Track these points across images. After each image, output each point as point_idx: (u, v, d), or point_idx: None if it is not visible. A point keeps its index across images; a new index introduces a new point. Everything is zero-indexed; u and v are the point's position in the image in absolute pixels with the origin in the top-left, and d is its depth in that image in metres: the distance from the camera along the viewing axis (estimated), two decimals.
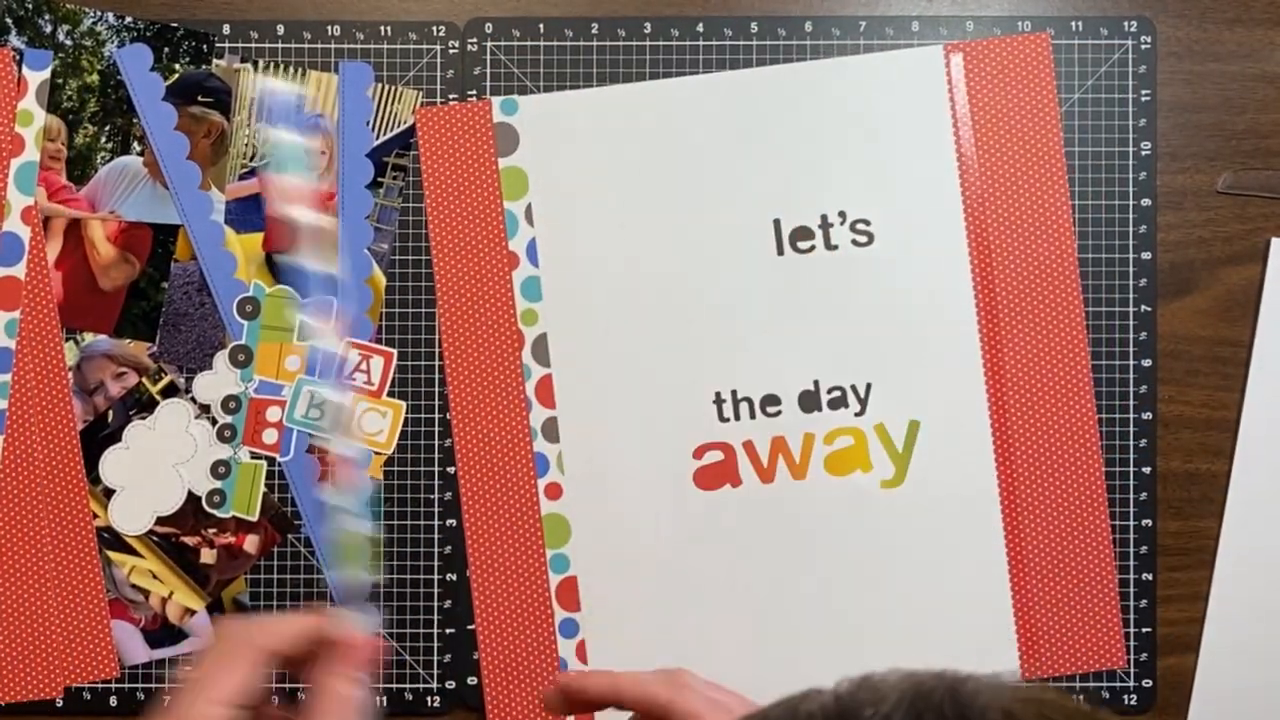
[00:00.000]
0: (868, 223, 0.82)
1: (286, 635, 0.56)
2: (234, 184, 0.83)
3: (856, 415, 0.82)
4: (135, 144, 0.83)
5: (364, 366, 0.83)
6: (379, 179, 0.83)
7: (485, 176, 0.83)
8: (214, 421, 0.83)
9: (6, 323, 0.82)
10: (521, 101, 0.82)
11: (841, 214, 0.82)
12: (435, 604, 0.83)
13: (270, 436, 0.83)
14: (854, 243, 0.82)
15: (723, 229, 0.82)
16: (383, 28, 0.83)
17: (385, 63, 0.83)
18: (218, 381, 0.83)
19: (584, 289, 0.82)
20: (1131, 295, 0.83)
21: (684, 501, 0.82)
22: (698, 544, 0.82)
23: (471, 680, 0.82)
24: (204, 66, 0.83)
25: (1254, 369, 0.82)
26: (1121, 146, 0.83)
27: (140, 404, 0.83)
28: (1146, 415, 0.82)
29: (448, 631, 0.82)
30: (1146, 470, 0.82)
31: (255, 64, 0.83)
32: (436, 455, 0.83)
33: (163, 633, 0.82)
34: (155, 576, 0.83)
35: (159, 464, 0.82)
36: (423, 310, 0.83)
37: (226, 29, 0.83)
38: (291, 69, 0.83)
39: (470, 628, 0.82)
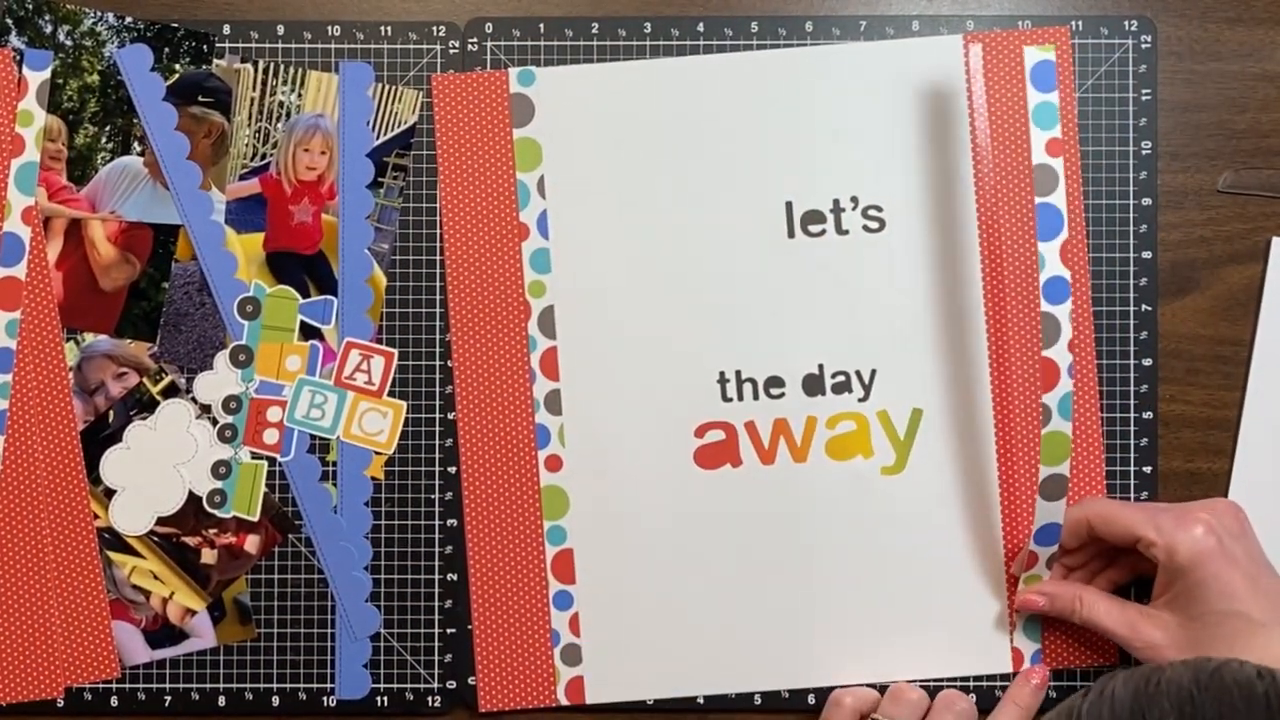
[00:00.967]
0: (880, 209, 0.82)
1: None
2: (234, 184, 0.83)
3: (860, 400, 0.82)
4: (136, 144, 0.83)
5: (364, 366, 0.83)
6: (379, 179, 0.83)
7: (499, 147, 0.83)
8: (215, 422, 0.83)
9: (7, 323, 0.82)
10: (539, 73, 0.83)
11: (854, 199, 0.82)
12: (436, 604, 0.83)
13: (271, 436, 0.83)
14: (865, 228, 0.82)
15: (734, 210, 0.82)
16: (383, 28, 0.83)
17: (386, 63, 0.83)
18: (218, 381, 0.83)
19: (593, 263, 0.82)
20: (1132, 294, 0.82)
21: (684, 479, 0.82)
22: (696, 522, 0.82)
23: (472, 680, 0.82)
24: (204, 67, 0.83)
25: (1255, 368, 0.82)
26: (1122, 146, 0.83)
27: (141, 404, 0.83)
28: (1147, 415, 0.82)
29: (448, 631, 0.82)
30: (1147, 469, 0.82)
31: (255, 64, 0.83)
32: (437, 455, 0.83)
33: (163, 633, 0.82)
34: (156, 577, 0.83)
35: (160, 464, 0.82)
36: (423, 310, 0.83)
37: (227, 29, 0.83)
38: (292, 69, 0.83)
39: (470, 628, 0.82)
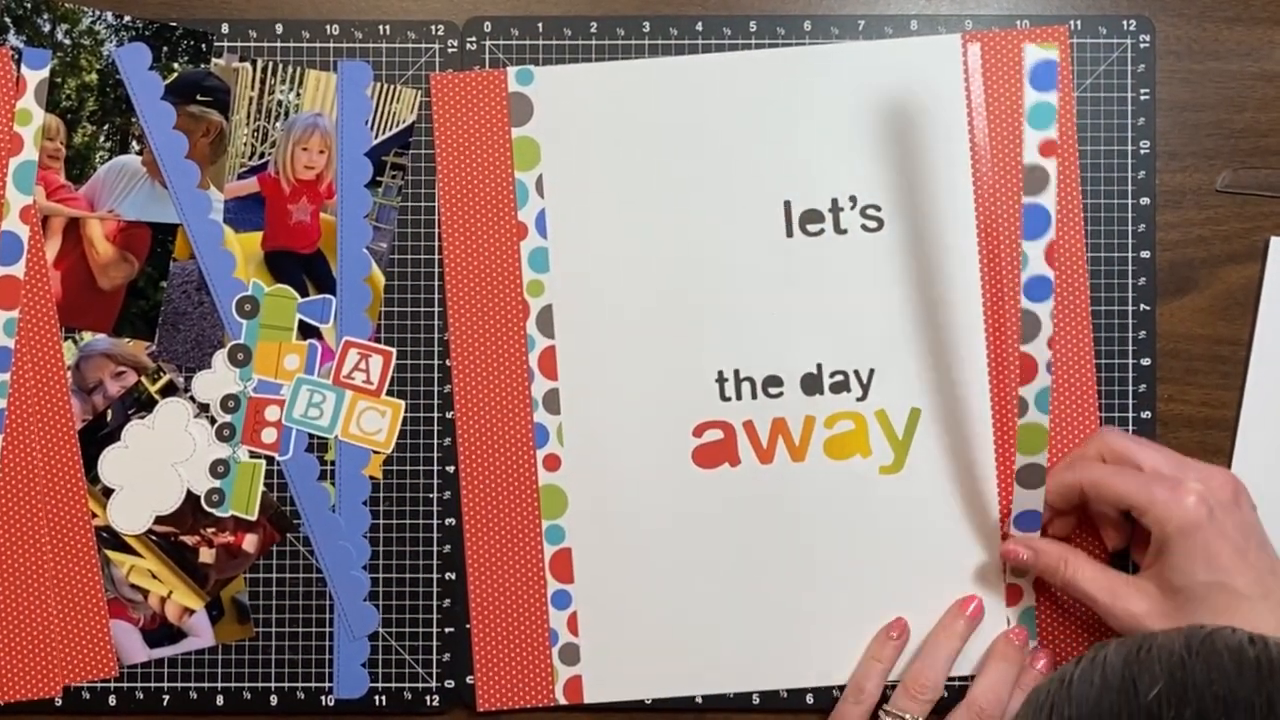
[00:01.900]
0: (878, 208, 0.82)
1: None
2: (233, 183, 0.83)
3: (858, 400, 0.82)
4: (134, 143, 0.83)
5: (363, 365, 0.83)
6: (378, 178, 0.83)
7: (498, 146, 0.83)
8: (213, 420, 0.83)
9: (5, 322, 0.82)
10: (537, 72, 0.83)
11: (852, 198, 0.82)
12: (434, 603, 0.83)
13: (269, 435, 0.83)
14: (864, 228, 0.82)
15: (733, 209, 0.82)
16: (381, 27, 0.83)
17: (384, 62, 0.83)
18: (217, 380, 0.83)
19: (591, 262, 0.82)
20: (1130, 294, 0.82)
21: (682, 479, 0.82)
22: (694, 521, 0.82)
23: (470, 679, 0.82)
24: (203, 65, 0.83)
25: (1253, 368, 0.82)
26: (1120, 145, 0.83)
27: (139, 403, 0.83)
28: (1146, 414, 0.82)
29: (447, 631, 0.82)
30: None
31: (254, 63, 0.83)
32: (436, 454, 0.83)
33: (161, 632, 0.82)
34: (154, 576, 0.83)
35: (158, 463, 0.82)
36: (422, 309, 0.83)
37: (225, 28, 0.83)
38: (290, 68, 0.83)
39: (469, 627, 0.82)
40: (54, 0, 0.83)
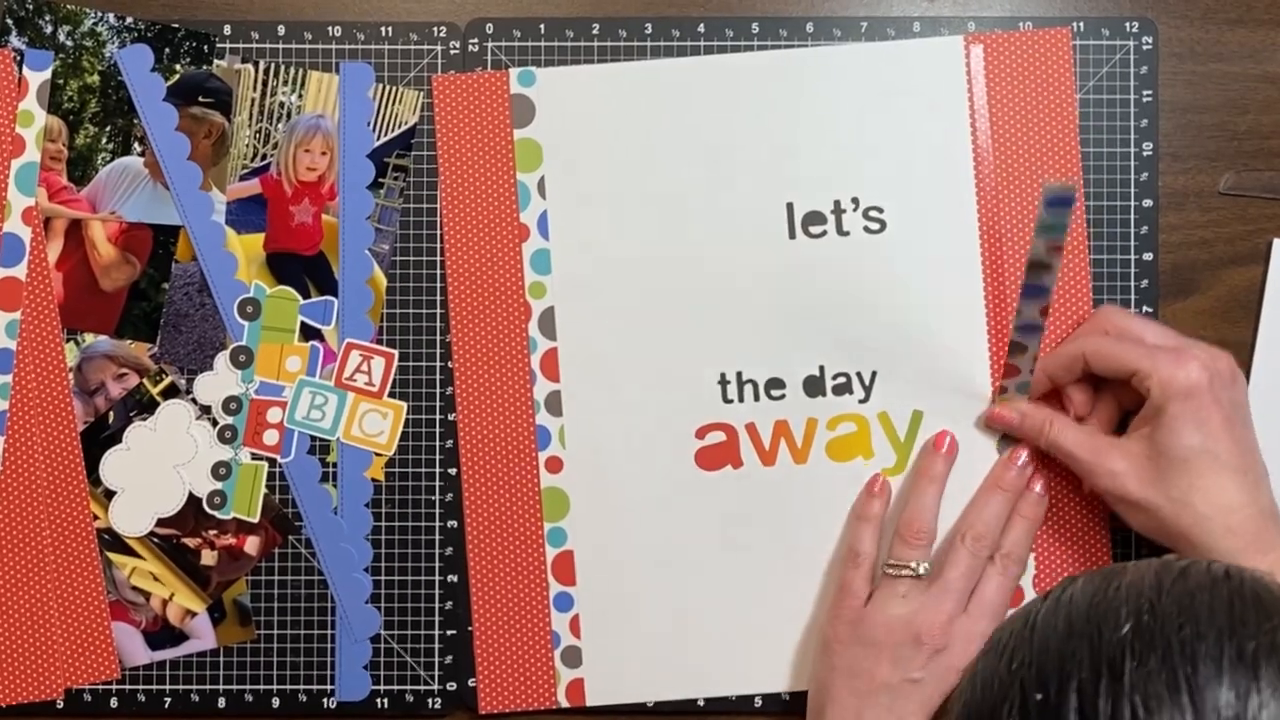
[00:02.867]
0: (881, 210, 0.82)
1: None
2: (235, 184, 0.83)
3: (860, 402, 0.82)
4: (136, 145, 0.83)
5: (365, 367, 0.83)
6: (379, 180, 0.83)
7: (500, 147, 0.83)
8: (215, 423, 0.83)
9: (7, 323, 0.82)
10: (539, 74, 0.83)
11: (855, 200, 0.82)
12: (436, 605, 0.83)
13: (271, 437, 0.82)
14: (866, 230, 0.82)
15: (735, 210, 0.82)
16: (384, 28, 0.83)
17: (386, 63, 0.83)
18: (218, 382, 0.83)
19: (593, 264, 0.82)
20: (1133, 296, 0.82)
21: (684, 481, 0.82)
22: (696, 523, 0.82)
23: (472, 682, 0.82)
24: (205, 67, 0.83)
25: (1255, 370, 0.82)
26: (1123, 147, 0.82)
27: (141, 405, 0.83)
28: None
29: (449, 633, 0.82)
30: None
31: (256, 64, 0.83)
32: (438, 456, 0.83)
33: (163, 634, 0.82)
34: (156, 578, 0.82)
35: (160, 465, 0.82)
36: (424, 311, 0.83)
37: (227, 29, 0.83)
38: (292, 69, 0.83)
39: (471, 629, 0.82)
40: (56, 2, 0.83)
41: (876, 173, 0.82)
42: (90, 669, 0.82)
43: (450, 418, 0.83)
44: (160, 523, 0.82)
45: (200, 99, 0.83)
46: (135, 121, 0.83)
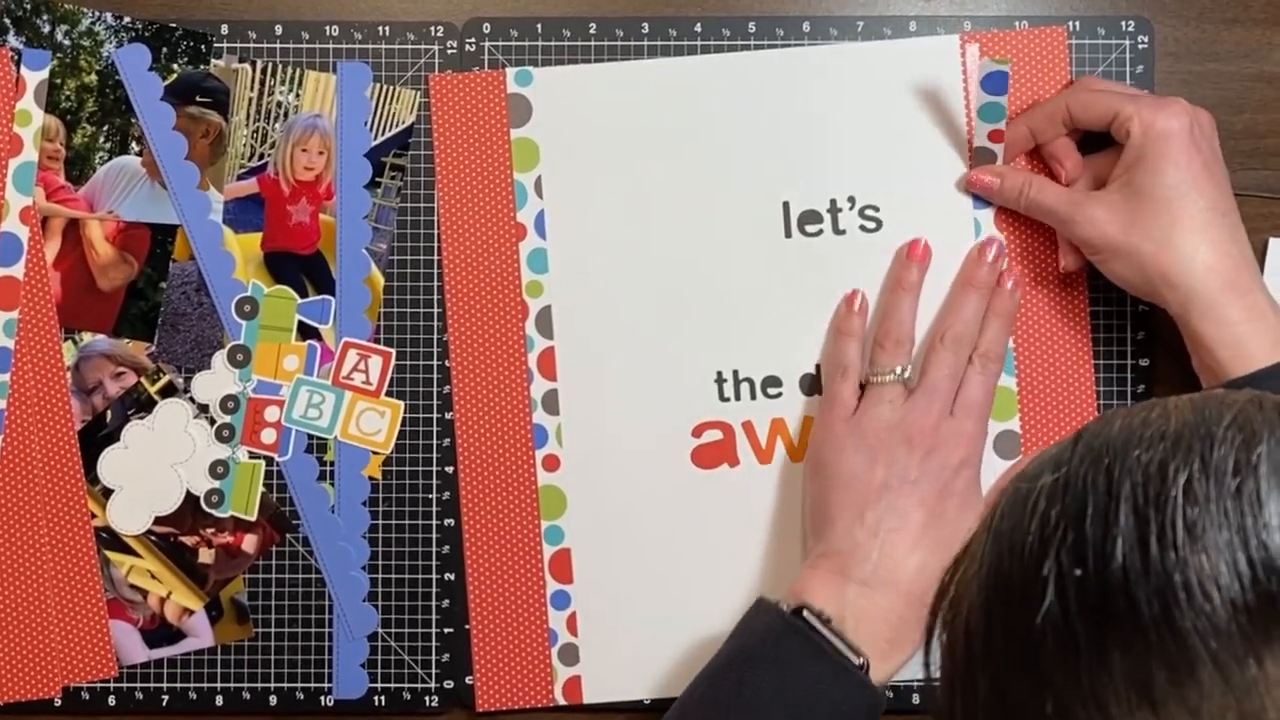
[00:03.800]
0: (876, 209, 0.82)
1: None
2: (232, 184, 0.83)
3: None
4: (133, 144, 0.83)
5: (362, 366, 0.83)
6: (377, 179, 0.83)
7: (497, 147, 0.83)
8: (212, 421, 0.83)
9: (5, 323, 0.82)
10: (536, 73, 0.83)
11: (851, 199, 0.82)
12: (433, 603, 0.83)
13: (269, 436, 0.83)
14: (862, 228, 0.82)
15: (731, 209, 0.82)
16: (381, 28, 0.83)
17: (383, 63, 0.83)
18: (216, 381, 0.83)
19: (590, 263, 0.82)
20: (1129, 295, 0.82)
21: (681, 479, 0.82)
22: (693, 521, 0.82)
23: (469, 680, 0.82)
24: (202, 66, 0.83)
25: None
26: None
27: (139, 404, 0.83)
28: None
29: (446, 631, 0.83)
30: None
31: (253, 64, 0.83)
32: (435, 455, 0.83)
33: (161, 632, 0.82)
34: (153, 576, 0.83)
35: (157, 464, 0.83)
36: (421, 310, 0.83)
37: (225, 29, 0.83)
38: (290, 69, 0.83)
39: (468, 627, 0.82)
40: (53, 1, 0.83)
41: (873, 172, 0.82)
42: (88, 667, 0.82)
43: (447, 416, 0.83)
44: (158, 521, 0.83)
45: (198, 98, 0.83)
46: (133, 121, 0.83)
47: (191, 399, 0.83)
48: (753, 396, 0.82)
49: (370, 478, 0.83)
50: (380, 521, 0.83)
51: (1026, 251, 0.82)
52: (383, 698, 0.83)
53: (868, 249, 0.82)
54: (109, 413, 0.83)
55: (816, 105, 0.82)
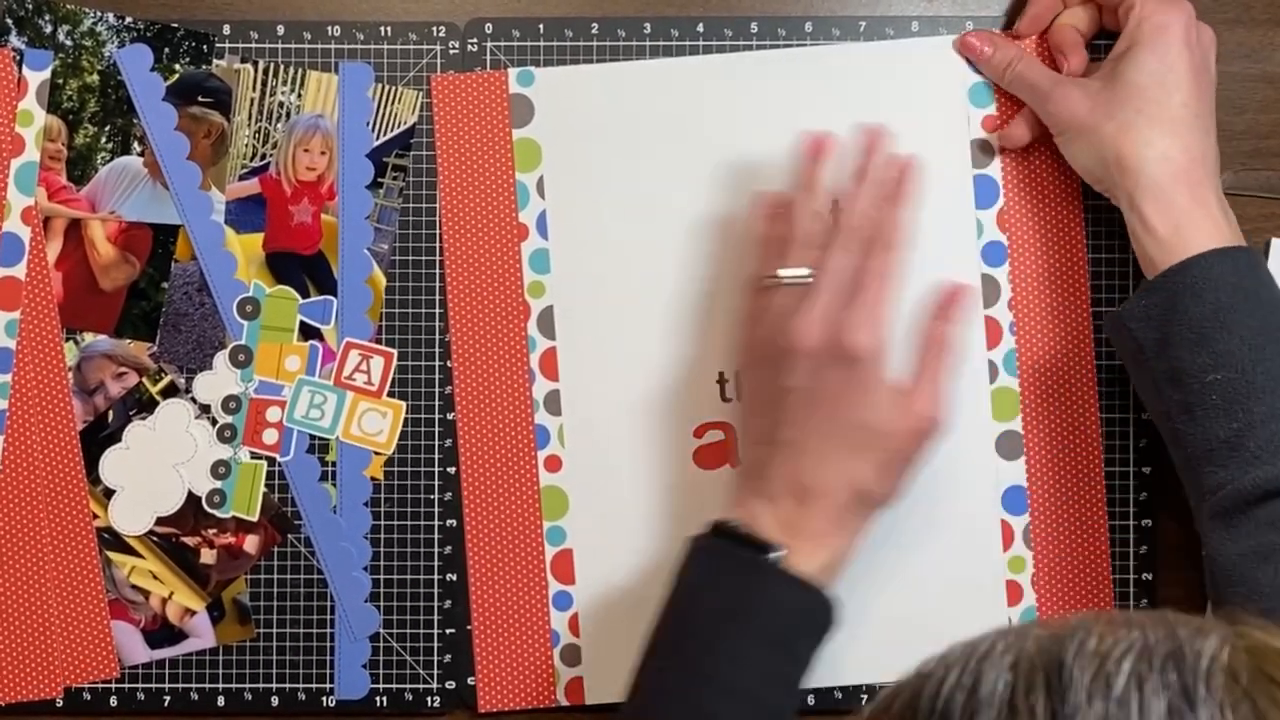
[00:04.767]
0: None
1: None
2: (234, 184, 0.83)
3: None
4: (135, 144, 0.83)
5: (364, 367, 0.83)
6: (379, 179, 0.83)
7: (498, 147, 0.83)
8: (214, 422, 0.83)
9: (7, 323, 0.82)
10: (538, 74, 0.83)
11: None
12: (435, 604, 0.83)
13: (270, 436, 0.83)
14: None
15: (733, 209, 0.82)
16: (383, 28, 0.83)
17: (385, 63, 0.83)
18: (218, 382, 0.83)
19: (592, 263, 0.82)
20: (1132, 294, 0.82)
21: (683, 480, 0.82)
22: (695, 522, 0.82)
23: (471, 680, 0.82)
24: (204, 67, 0.83)
25: None
26: None
27: (140, 404, 0.83)
28: (1145, 415, 0.82)
29: (448, 632, 0.83)
30: (1146, 470, 0.82)
31: (255, 64, 0.83)
32: (437, 455, 0.83)
33: (163, 633, 0.82)
34: (155, 577, 0.83)
35: (159, 464, 0.82)
36: (423, 310, 0.83)
37: (227, 29, 0.83)
38: (291, 69, 0.83)
39: (470, 628, 0.82)
40: (55, 1, 0.83)
41: None
42: (90, 667, 0.82)
43: (449, 417, 0.83)
44: (160, 521, 0.83)
45: (199, 99, 0.83)
46: (135, 121, 0.83)
47: (193, 399, 0.83)
48: None
49: (372, 478, 0.83)
50: (382, 522, 0.83)
51: (1028, 251, 0.82)
52: (384, 698, 0.82)
53: None
54: (110, 413, 0.83)
55: (819, 105, 0.82)
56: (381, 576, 0.83)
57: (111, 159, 0.83)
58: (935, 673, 0.43)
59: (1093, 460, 0.82)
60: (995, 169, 0.82)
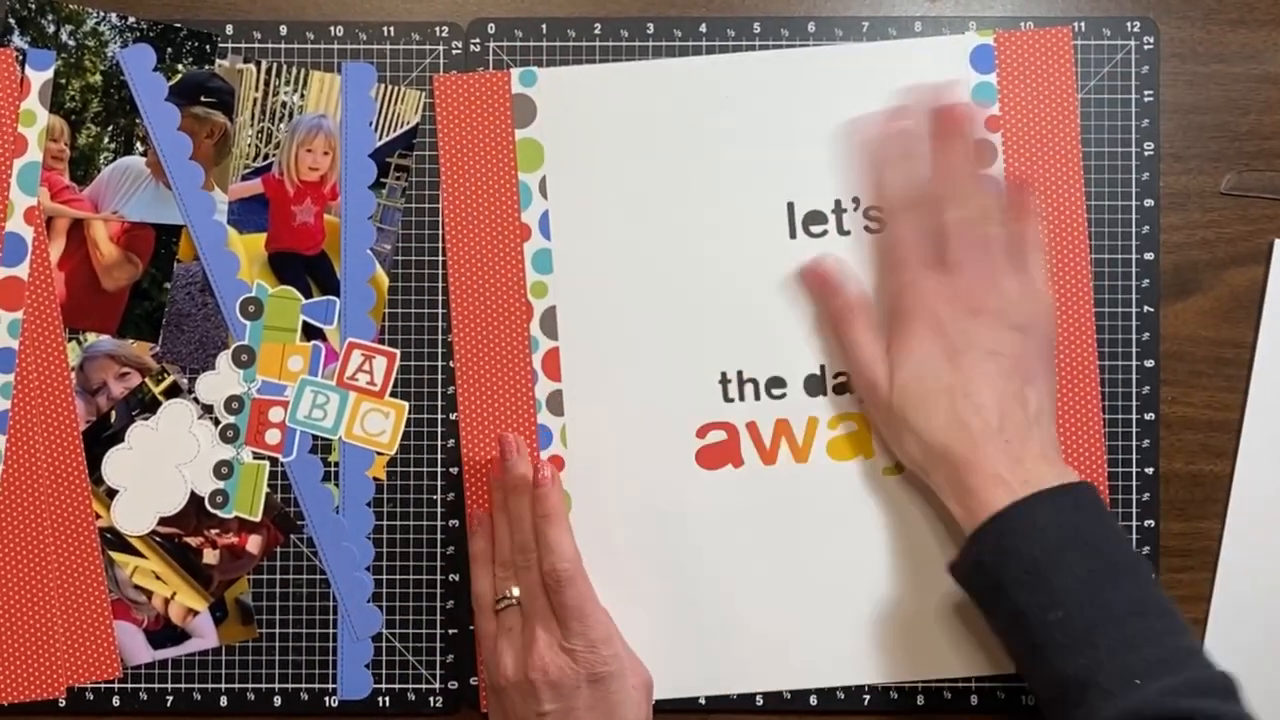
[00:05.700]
0: (881, 210, 0.82)
1: None
2: (237, 184, 0.83)
3: (861, 401, 0.82)
4: (138, 144, 0.83)
5: (367, 367, 0.83)
6: (381, 180, 0.83)
7: (501, 147, 0.83)
8: (217, 422, 0.83)
9: (9, 323, 0.82)
10: (541, 74, 0.83)
11: (855, 200, 0.82)
12: (438, 604, 0.83)
13: (273, 437, 0.83)
14: (867, 229, 0.82)
15: (736, 210, 0.82)
16: (386, 28, 0.83)
17: (388, 63, 0.83)
18: (220, 382, 0.83)
19: (595, 264, 0.82)
20: (1134, 296, 0.82)
21: (685, 480, 0.82)
22: (697, 522, 0.82)
23: (474, 680, 0.82)
24: (207, 67, 0.83)
25: (1257, 370, 0.82)
26: (1125, 147, 0.83)
27: (143, 404, 0.83)
28: (1149, 416, 0.82)
29: (450, 632, 0.83)
30: (1149, 471, 0.82)
31: (258, 64, 0.83)
32: (439, 456, 0.83)
33: (165, 633, 0.82)
34: (158, 577, 0.83)
35: (162, 464, 0.83)
36: (425, 310, 0.83)
37: (229, 29, 0.83)
38: (294, 69, 0.83)
39: (472, 628, 0.82)
40: (58, 2, 0.83)
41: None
42: (92, 668, 0.82)
43: (452, 417, 0.83)
44: (162, 522, 0.83)
45: (202, 99, 0.83)
46: (137, 121, 0.83)
47: (196, 399, 0.83)
48: (757, 397, 0.82)
49: (375, 478, 0.83)
50: (385, 522, 0.83)
51: None
52: (387, 699, 0.83)
53: (872, 250, 0.82)
54: (113, 413, 0.83)
55: (822, 106, 0.82)
56: (384, 577, 0.83)
57: (114, 159, 0.83)
58: None
59: (1095, 461, 0.82)
60: (998, 169, 0.82)
